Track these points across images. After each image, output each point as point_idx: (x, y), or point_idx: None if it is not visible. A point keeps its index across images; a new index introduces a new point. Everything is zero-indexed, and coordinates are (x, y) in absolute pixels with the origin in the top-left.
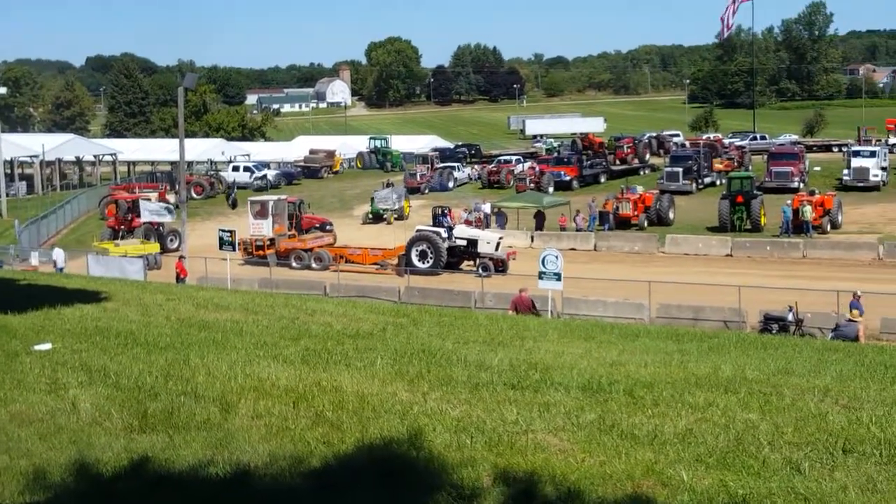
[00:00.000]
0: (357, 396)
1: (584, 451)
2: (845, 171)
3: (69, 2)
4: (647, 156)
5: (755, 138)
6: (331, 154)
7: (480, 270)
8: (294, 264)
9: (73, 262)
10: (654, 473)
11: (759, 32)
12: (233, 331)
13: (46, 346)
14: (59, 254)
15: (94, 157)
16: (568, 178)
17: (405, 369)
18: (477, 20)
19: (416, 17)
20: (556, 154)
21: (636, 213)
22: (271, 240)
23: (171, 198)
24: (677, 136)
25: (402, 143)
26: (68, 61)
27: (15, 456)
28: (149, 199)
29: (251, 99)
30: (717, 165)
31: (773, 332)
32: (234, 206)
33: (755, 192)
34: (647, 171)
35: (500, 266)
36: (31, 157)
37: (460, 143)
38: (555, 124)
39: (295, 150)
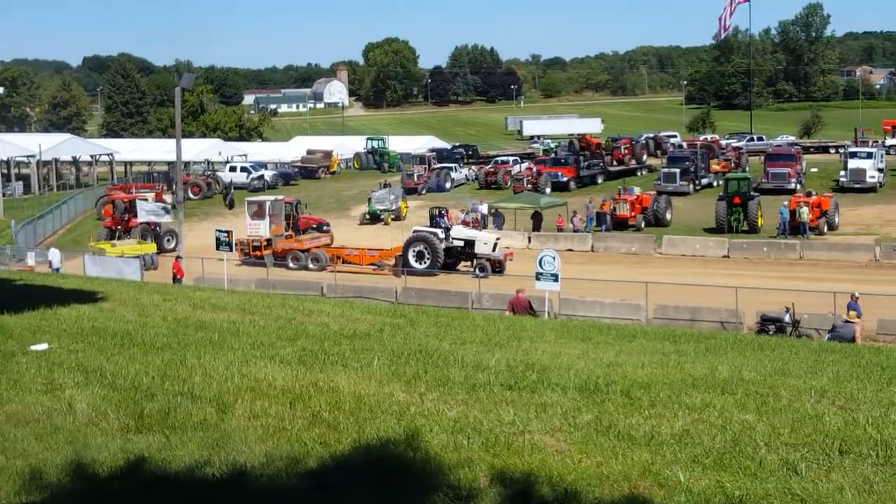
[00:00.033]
0: (354, 397)
1: (581, 451)
2: (842, 173)
3: (66, 2)
4: (645, 157)
5: (752, 139)
6: (328, 154)
7: (477, 271)
8: (291, 265)
9: (69, 262)
10: (650, 474)
11: (757, 34)
12: (229, 331)
13: (43, 347)
14: (54, 254)
15: (91, 157)
16: (565, 178)
17: (402, 370)
18: (474, 21)
19: (413, 17)
20: (553, 155)
21: (633, 214)
22: (268, 240)
23: (168, 198)
24: (674, 137)
25: (399, 144)
26: (65, 61)
27: (11, 456)
28: (145, 200)
29: (248, 99)
30: (715, 166)
31: (770, 333)
32: (231, 206)
33: (752, 193)
34: (644, 172)
35: (497, 267)
36: (27, 157)
37: (457, 144)
38: (552, 125)
39: (292, 150)
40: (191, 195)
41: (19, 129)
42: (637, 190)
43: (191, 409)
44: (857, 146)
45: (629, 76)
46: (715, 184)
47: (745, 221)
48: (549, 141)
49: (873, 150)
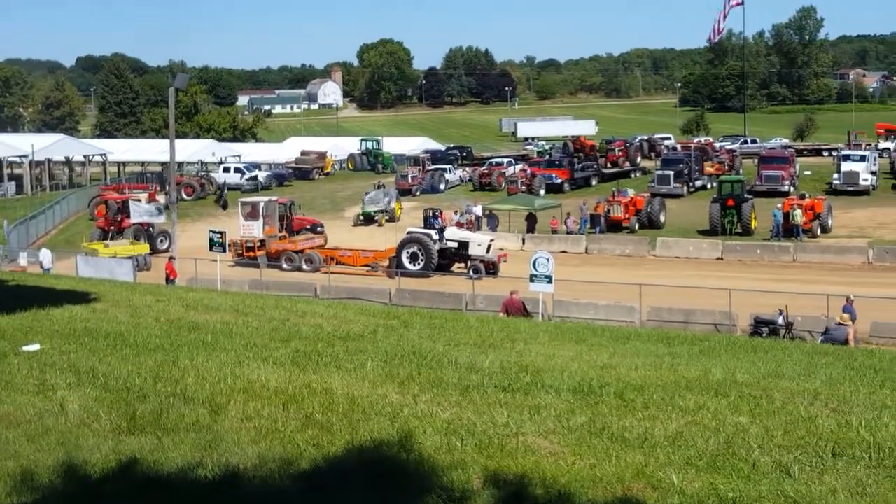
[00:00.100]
0: (347, 398)
1: (575, 453)
2: (835, 176)
3: (60, 2)
4: (639, 159)
5: (746, 142)
6: (322, 155)
7: (471, 273)
8: (285, 266)
9: (62, 262)
10: (644, 476)
11: (751, 37)
12: (222, 332)
13: (34, 347)
14: (45, 254)
15: (84, 157)
16: (559, 180)
17: (396, 371)
18: (469, 22)
19: (408, 18)
20: (547, 157)
21: (627, 215)
22: (262, 241)
23: (162, 198)
24: (668, 139)
25: (393, 145)
26: (59, 61)
27: (2, 457)
28: (139, 200)
29: (242, 100)
30: (708, 169)
31: (764, 335)
32: (224, 207)
33: (746, 195)
34: (638, 174)
35: (491, 268)
36: (20, 157)
37: (452, 145)
38: (546, 127)
39: (286, 151)
40: (184, 196)
41: (12, 129)
42: (631, 192)
43: (183, 411)
44: (850, 149)
45: (623, 78)
46: (709, 186)
47: (739, 224)
48: (544, 143)
49: (866, 153)
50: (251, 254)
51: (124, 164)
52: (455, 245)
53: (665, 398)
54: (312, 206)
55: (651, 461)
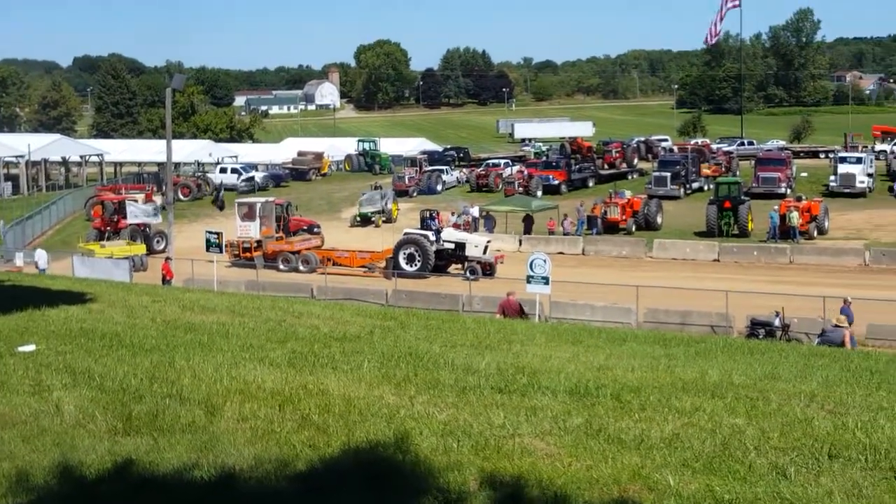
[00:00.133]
0: (343, 400)
1: (571, 455)
2: (832, 178)
3: (57, 2)
4: (636, 160)
5: (743, 144)
6: (319, 156)
7: (468, 274)
8: (281, 266)
9: (58, 263)
10: (640, 478)
11: (748, 39)
12: (219, 333)
13: (30, 348)
14: (41, 255)
15: (81, 157)
16: (556, 182)
17: (392, 373)
18: (466, 24)
19: (405, 20)
20: (544, 158)
21: (624, 217)
22: (258, 242)
23: (158, 199)
24: (665, 140)
25: (390, 146)
26: (55, 61)
27: None
28: (135, 201)
29: (239, 100)
30: (705, 171)
31: (760, 337)
32: (221, 207)
33: (743, 197)
34: (635, 176)
35: (488, 269)
36: (16, 157)
37: (449, 147)
38: (544, 128)
39: (283, 152)
40: (181, 196)
41: (9, 130)
42: (628, 193)
43: (179, 412)
44: (846, 151)
45: (621, 80)
46: (705, 188)
47: (736, 225)
48: (541, 144)
49: (863, 155)
50: (248, 254)
51: (121, 164)
52: (452, 246)
53: (661, 400)
54: (309, 207)
55: (647, 463)
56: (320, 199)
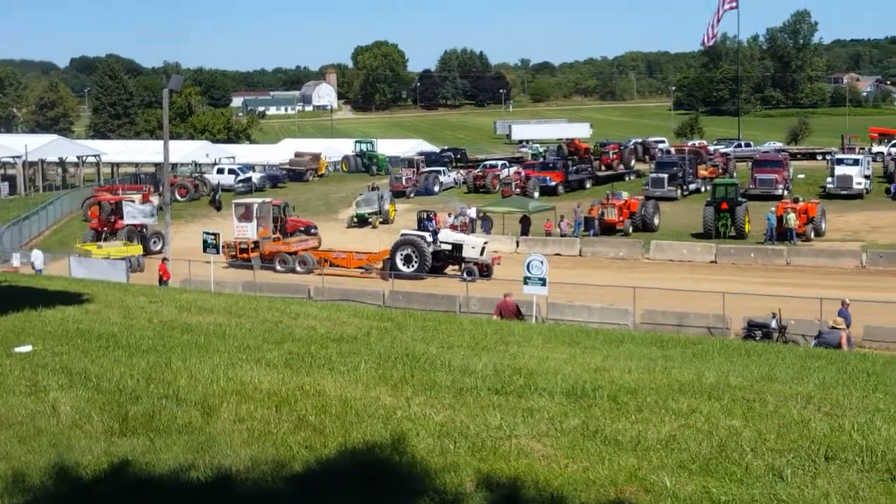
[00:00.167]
0: (340, 401)
1: (568, 456)
2: (829, 179)
3: (54, 2)
4: (633, 162)
5: (740, 145)
6: (316, 157)
7: (465, 275)
8: (278, 267)
9: (55, 263)
10: (637, 479)
11: (745, 40)
12: (215, 334)
13: (27, 349)
14: (37, 255)
15: (78, 158)
16: (553, 183)
17: (389, 374)
18: (464, 25)
19: (403, 21)
20: (541, 159)
21: (621, 218)
22: (255, 243)
23: (155, 200)
24: (662, 142)
25: (387, 147)
26: (52, 62)
27: None
28: (132, 201)
29: (237, 101)
30: (702, 172)
31: (757, 338)
32: (218, 208)
33: (740, 199)
34: (632, 177)
35: (485, 271)
36: (13, 157)
37: (446, 148)
38: (541, 129)
39: (280, 152)
40: (178, 197)
41: (6, 130)
42: (625, 195)
43: (176, 413)
44: (843, 153)
45: (618, 81)
46: (703, 189)
47: (733, 227)
48: (538, 145)
49: (860, 156)
50: (245, 255)
51: (118, 165)
52: (449, 247)
53: (658, 401)
54: (306, 208)
55: (644, 464)
56: (317, 200)
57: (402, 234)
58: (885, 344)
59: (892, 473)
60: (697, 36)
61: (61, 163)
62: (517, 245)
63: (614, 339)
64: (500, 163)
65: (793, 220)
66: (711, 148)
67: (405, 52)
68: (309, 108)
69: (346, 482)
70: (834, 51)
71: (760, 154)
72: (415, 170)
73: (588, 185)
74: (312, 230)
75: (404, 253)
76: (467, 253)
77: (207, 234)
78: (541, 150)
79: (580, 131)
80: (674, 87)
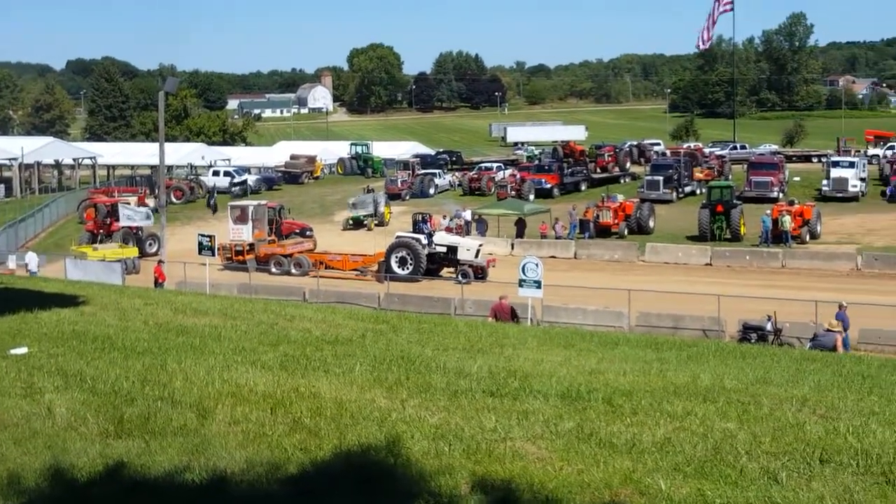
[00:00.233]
0: (335, 403)
1: (563, 459)
2: (824, 182)
3: (50, 4)
4: (628, 164)
5: (735, 148)
6: (312, 159)
7: (460, 277)
8: (274, 270)
9: (50, 265)
10: (631, 482)
11: (740, 43)
12: (211, 336)
13: (22, 350)
14: (31, 257)
15: (74, 160)
16: (549, 185)
17: (384, 376)
18: (459, 28)
19: (398, 23)
20: (537, 162)
21: (616, 221)
22: (251, 245)
23: (151, 202)
24: (658, 144)
25: (383, 150)
26: (48, 64)
27: None
28: (128, 204)
29: (232, 104)
30: (698, 174)
31: (752, 341)
32: (214, 210)
33: (735, 201)
34: (627, 180)
35: (480, 273)
36: (9, 160)
37: (441, 150)
38: (536, 132)
39: (276, 155)
40: (173, 199)
41: (2, 132)
42: (620, 197)
43: (171, 415)
44: (839, 155)
45: (613, 84)
46: (698, 192)
47: (728, 230)
48: (533, 148)
49: (855, 159)
50: (240, 257)
51: (114, 167)
52: (444, 250)
53: (653, 404)
54: (302, 210)
55: (639, 467)
56: (313, 203)
57: (398, 237)
58: (879, 346)
59: (887, 476)
60: (693, 38)
61: (57, 165)
62: (512, 247)
63: (609, 342)
64: (495, 165)
65: (788, 222)
66: (707, 150)
67: (401, 55)
68: (304, 111)
69: (341, 484)
70: (830, 53)
71: (756, 156)
72: (410, 172)
73: (583, 188)
74: (308, 232)
75: (399, 255)
76: (462, 255)
77: (203, 236)
78: (536, 152)
79: (575, 134)
80: (669, 90)
